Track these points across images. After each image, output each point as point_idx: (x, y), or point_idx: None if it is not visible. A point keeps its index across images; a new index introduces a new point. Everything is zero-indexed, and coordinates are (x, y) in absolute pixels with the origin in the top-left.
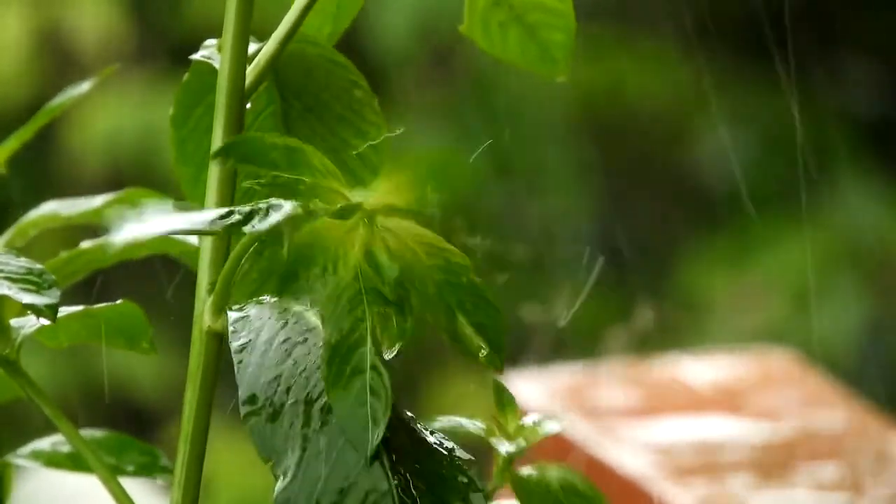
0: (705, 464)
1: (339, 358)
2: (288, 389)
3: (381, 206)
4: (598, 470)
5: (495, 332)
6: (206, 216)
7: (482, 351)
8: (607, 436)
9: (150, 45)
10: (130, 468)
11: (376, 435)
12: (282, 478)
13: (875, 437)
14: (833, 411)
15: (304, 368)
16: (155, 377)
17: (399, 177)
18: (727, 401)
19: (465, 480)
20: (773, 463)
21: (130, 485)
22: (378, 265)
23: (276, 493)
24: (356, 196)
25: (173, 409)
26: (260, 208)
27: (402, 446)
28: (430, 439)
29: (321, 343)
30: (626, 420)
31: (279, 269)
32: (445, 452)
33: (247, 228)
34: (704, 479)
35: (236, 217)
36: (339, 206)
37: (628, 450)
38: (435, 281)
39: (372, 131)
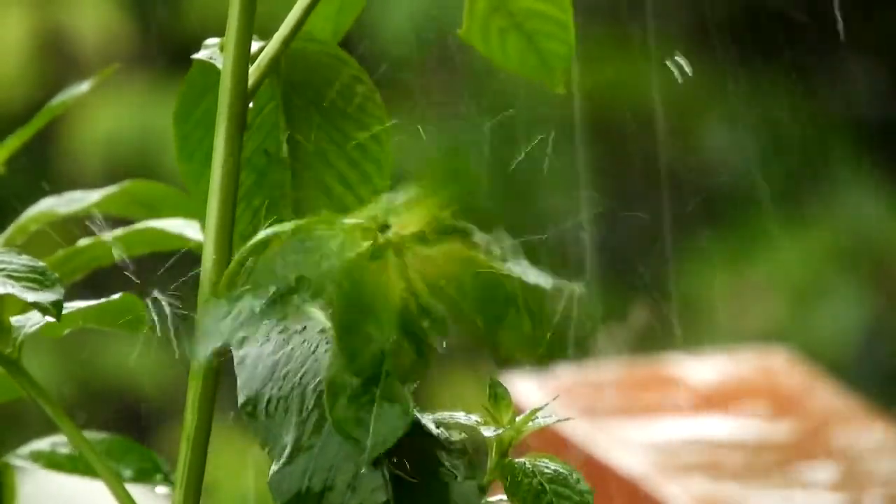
0: (704, 463)
1: (354, 387)
2: (284, 377)
3: (408, 236)
4: (598, 470)
5: (540, 334)
6: (255, 303)
7: (530, 353)
8: (607, 436)
9: (151, 47)
10: (130, 474)
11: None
12: (276, 461)
13: (874, 437)
14: (833, 411)
15: (300, 354)
16: (156, 378)
17: (416, 195)
18: (727, 400)
19: (457, 464)
20: (773, 463)
21: (132, 485)
22: (423, 305)
23: (270, 475)
24: (374, 216)
25: (175, 410)
26: (297, 281)
27: None
28: (424, 421)
29: (319, 329)
30: (625, 420)
31: (336, 323)
32: (437, 435)
33: (297, 300)
34: (703, 478)
35: (281, 295)
36: (367, 247)
37: (628, 449)
38: (473, 298)
39: (374, 124)
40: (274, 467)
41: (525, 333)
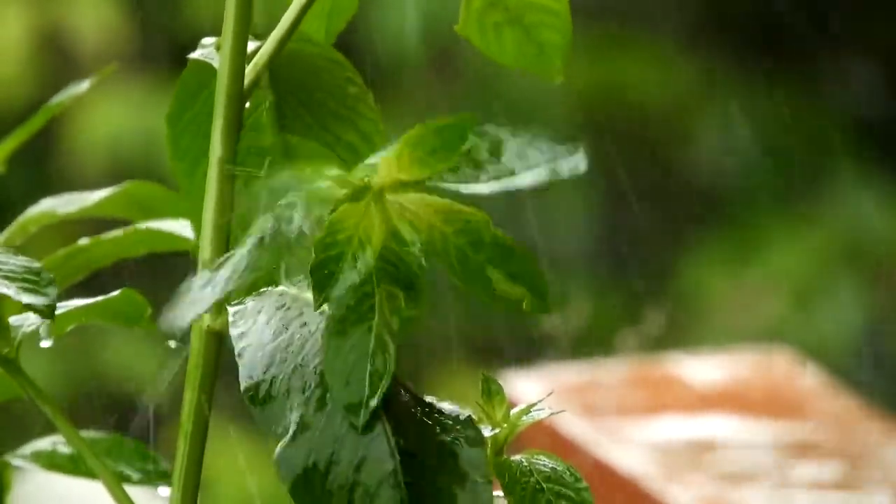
0: (705, 463)
1: (342, 329)
2: (285, 359)
3: (389, 183)
4: (598, 470)
5: (532, 277)
6: (242, 256)
7: (525, 300)
8: (607, 435)
9: (151, 46)
10: (130, 474)
11: (371, 406)
12: (281, 440)
13: (874, 437)
14: (833, 411)
15: (300, 336)
16: (154, 376)
17: (400, 150)
18: (727, 401)
19: (466, 437)
20: (773, 462)
21: (135, 487)
22: (404, 242)
23: (275, 454)
24: (359, 174)
25: (174, 409)
26: (282, 216)
27: (400, 402)
28: (428, 398)
29: (318, 312)
30: (626, 420)
31: (310, 268)
32: (444, 410)
33: (282, 243)
34: (704, 478)
35: (268, 239)
36: (348, 190)
37: (628, 449)
38: (458, 245)
39: (367, 127)
40: (279, 447)
41: (503, 288)
